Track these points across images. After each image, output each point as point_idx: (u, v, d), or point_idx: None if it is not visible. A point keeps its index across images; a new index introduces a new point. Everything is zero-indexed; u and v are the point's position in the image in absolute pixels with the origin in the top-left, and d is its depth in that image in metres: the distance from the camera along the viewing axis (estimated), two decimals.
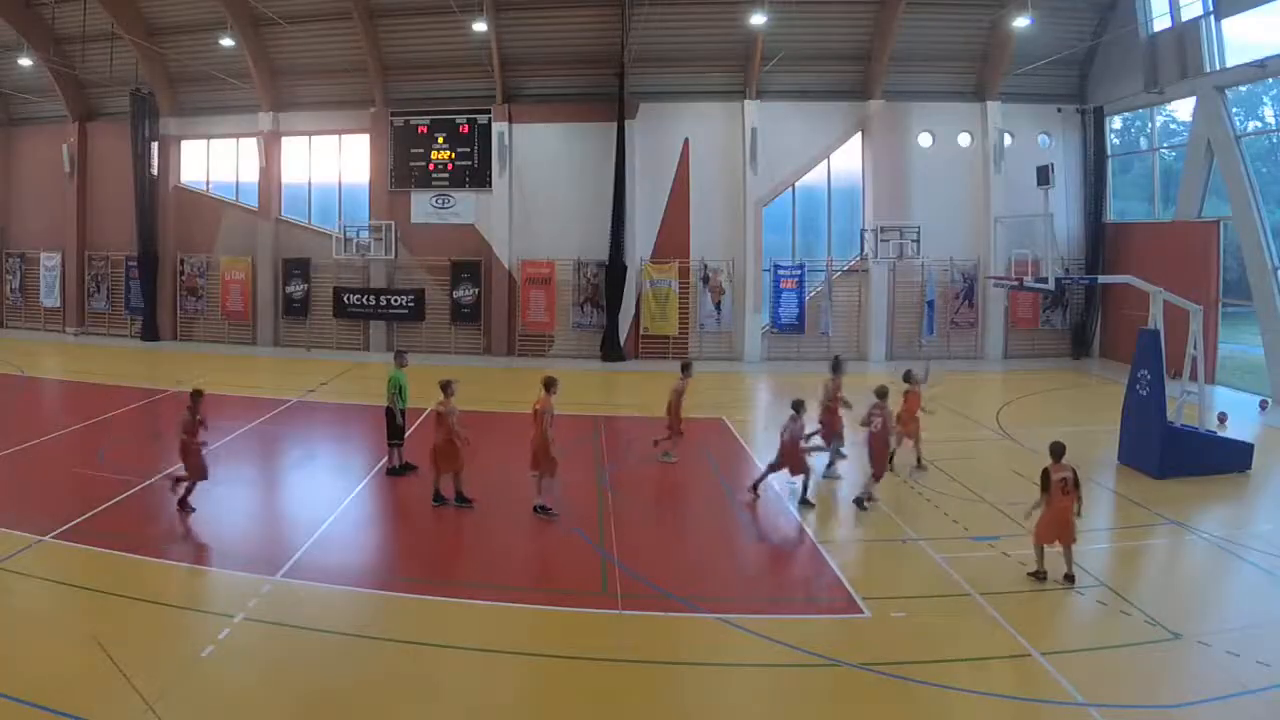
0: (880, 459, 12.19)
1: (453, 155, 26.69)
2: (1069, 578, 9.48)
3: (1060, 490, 9.51)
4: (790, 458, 12.23)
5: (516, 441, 16.23)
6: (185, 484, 11.55)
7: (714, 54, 25.59)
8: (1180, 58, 22.20)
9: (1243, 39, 20.71)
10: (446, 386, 11.92)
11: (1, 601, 8.80)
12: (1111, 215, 26.13)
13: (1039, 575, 9.54)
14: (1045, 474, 9.63)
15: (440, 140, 26.71)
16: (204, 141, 28.77)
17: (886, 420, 12.19)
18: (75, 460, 14.14)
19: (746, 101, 25.56)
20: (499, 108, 26.16)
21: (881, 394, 12.38)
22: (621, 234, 25.22)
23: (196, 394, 11.68)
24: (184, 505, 11.47)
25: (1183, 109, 23.53)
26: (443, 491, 12.00)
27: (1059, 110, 26.20)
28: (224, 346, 27.73)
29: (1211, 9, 21.20)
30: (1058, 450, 9.75)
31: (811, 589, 9.75)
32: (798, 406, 12.38)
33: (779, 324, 26.03)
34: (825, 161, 26.24)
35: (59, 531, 10.51)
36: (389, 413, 13.46)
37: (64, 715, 6.65)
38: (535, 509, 11.58)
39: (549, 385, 11.76)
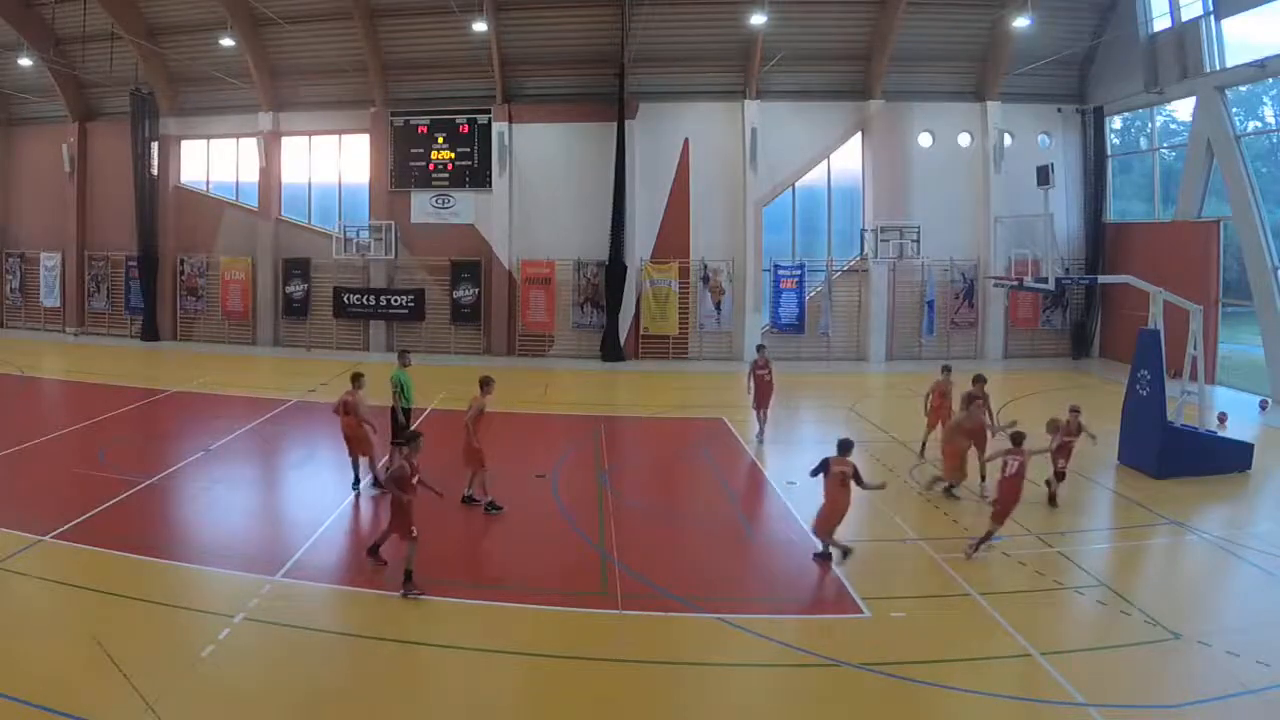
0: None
1: (453, 155, 26.69)
2: (846, 551, 9.99)
3: (839, 483, 9.84)
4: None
5: (514, 442, 16.28)
6: (396, 543, 9.59)
7: (714, 54, 25.59)
8: (1180, 58, 22.20)
9: (1243, 39, 20.73)
10: (357, 379, 12.63)
11: (1, 601, 8.79)
12: (1111, 215, 26.14)
13: (826, 556, 10.07)
14: (825, 463, 9.95)
15: (440, 140, 26.71)
16: (204, 141, 28.77)
17: (1024, 465, 10.42)
18: (75, 460, 14.13)
19: (746, 101, 25.56)
20: (499, 108, 26.16)
21: (1017, 440, 10.68)
22: (621, 234, 25.22)
23: (414, 439, 9.85)
24: (405, 577, 9.13)
25: (1183, 109, 23.54)
26: (360, 475, 12.68)
27: (1059, 110, 26.21)
28: (224, 346, 27.73)
29: (1211, 9, 21.21)
30: (845, 446, 10.10)
31: (811, 589, 9.74)
32: None
33: (779, 324, 26.03)
34: (825, 161, 26.25)
35: (59, 531, 10.50)
36: (393, 412, 13.48)
37: (64, 715, 6.65)
38: (486, 508, 11.74)
39: (484, 384, 12.09)
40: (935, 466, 13.65)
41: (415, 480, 9.36)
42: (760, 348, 17.10)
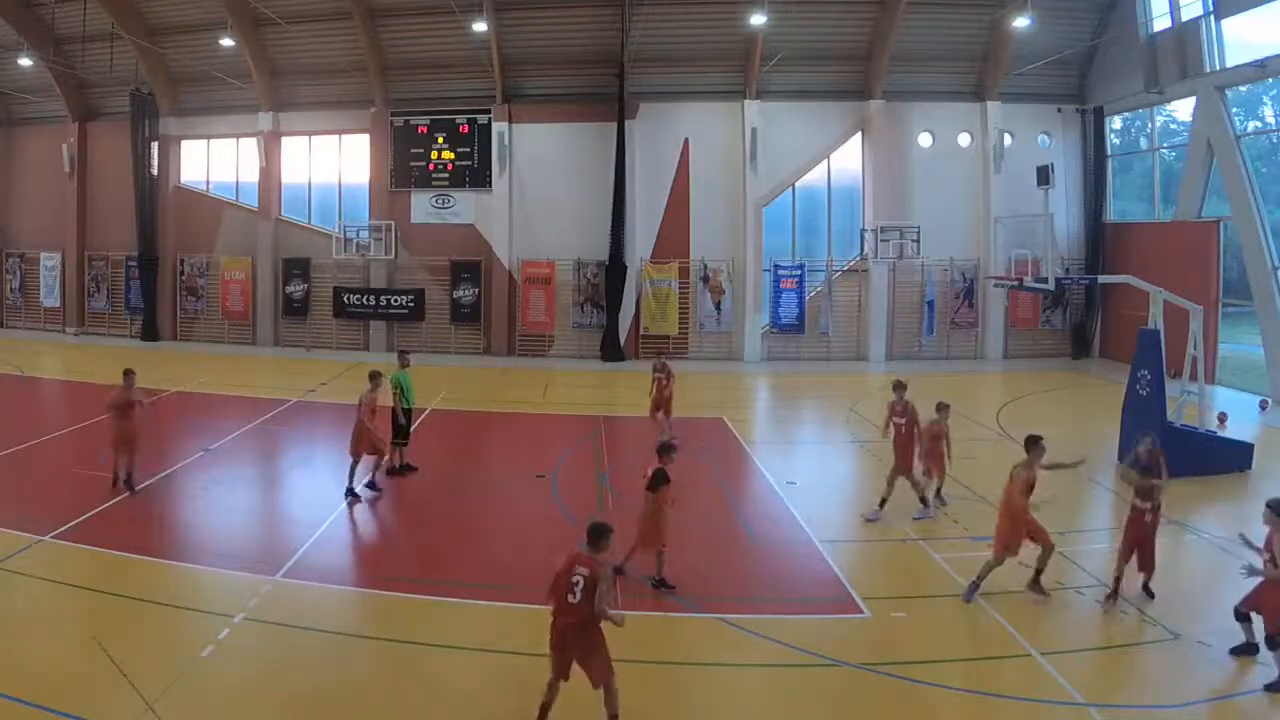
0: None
1: (453, 155, 26.69)
2: (662, 582, 9.38)
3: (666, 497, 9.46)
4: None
5: (514, 442, 16.29)
6: None
7: (714, 54, 25.58)
8: (1180, 58, 22.20)
9: (1243, 39, 20.73)
10: (127, 375, 12.69)
11: (1, 601, 8.79)
12: (1111, 215, 26.13)
13: (661, 582, 9.39)
14: (662, 474, 9.43)
15: (440, 140, 26.71)
16: (204, 141, 28.77)
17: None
18: (75, 460, 14.12)
19: (746, 101, 25.55)
20: (499, 108, 26.16)
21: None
22: (621, 234, 25.22)
23: (668, 450, 9.90)
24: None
25: (1183, 109, 23.53)
26: (119, 472, 12.35)
27: (1059, 110, 26.21)
28: (224, 346, 27.72)
29: (1211, 9, 21.20)
30: (667, 446, 9.84)
31: (812, 589, 9.73)
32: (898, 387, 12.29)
33: (779, 324, 26.03)
34: (825, 161, 26.24)
35: (59, 531, 10.50)
36: (393, 412, 13.53)
37: (64, 715, 6.65)
38: (345, 493, 12.36)
39: (372, 378, 12.89)
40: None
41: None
42: (659, 354, 17.13)
